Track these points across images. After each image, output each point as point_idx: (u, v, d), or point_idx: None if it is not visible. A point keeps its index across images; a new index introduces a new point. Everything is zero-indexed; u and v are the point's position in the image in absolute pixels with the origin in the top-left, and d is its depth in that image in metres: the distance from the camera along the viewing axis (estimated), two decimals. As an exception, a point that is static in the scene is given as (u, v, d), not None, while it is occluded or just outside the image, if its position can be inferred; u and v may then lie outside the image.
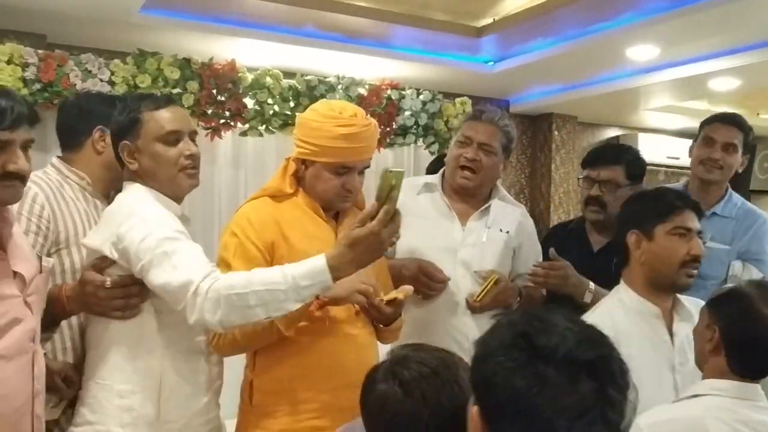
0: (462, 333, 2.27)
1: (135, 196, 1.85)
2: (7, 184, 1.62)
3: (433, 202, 2.43)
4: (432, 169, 2.96)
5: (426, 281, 2.26)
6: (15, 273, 1.65)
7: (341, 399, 1.79)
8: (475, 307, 2.25)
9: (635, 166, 2.58)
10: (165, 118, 1.87)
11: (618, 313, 2.00)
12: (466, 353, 2.19)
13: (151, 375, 1.80)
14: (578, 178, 2.67)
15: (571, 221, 2.87)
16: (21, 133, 1.61)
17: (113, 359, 1.80)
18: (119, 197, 1.89)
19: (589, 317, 1.80)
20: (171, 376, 1.82)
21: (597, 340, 1.01)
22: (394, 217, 1.68)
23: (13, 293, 1.63)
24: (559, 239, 2.75)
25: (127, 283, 1.78)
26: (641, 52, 4.24)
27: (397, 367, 1.38)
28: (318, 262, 1.65)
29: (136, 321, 1.81)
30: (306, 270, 1.64)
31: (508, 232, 2.43)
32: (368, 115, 2.01)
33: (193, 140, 1.92)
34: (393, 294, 1.92)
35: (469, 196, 2.41)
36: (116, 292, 1.77)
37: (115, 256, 1.76)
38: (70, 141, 2.14)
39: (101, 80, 3.83)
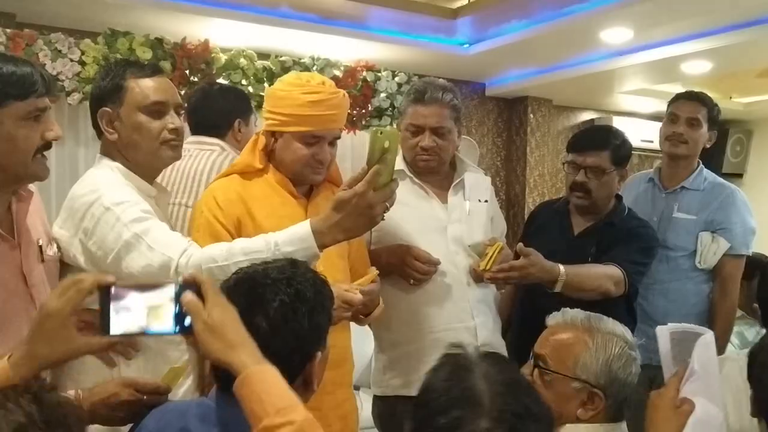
0: (466, 309, 2.28)
1: (100, 179, 1.76)
2: (43, 158, 1.59)
3: (407, 187, 2.38)
4: None
5: (417, 264, 2.24)
6: (23, 263, 1.62)
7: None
8: (482, 276, 2.25)
9: (621, 150, 2.57)
10: (150, 87, 1.79)
11: None
12: (471, 330, 2.24)
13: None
14: (563, 163, 2.67)
15: (557, 200, 2.87)
16: (49, 98, 1.59)
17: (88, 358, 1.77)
18: (85, 179, 1.81)
19: None
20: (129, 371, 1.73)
21: None
22: (389, 183, 1.64)
23: (15, 285, 1.59)
24: (542, 218, 2.78)
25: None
26: (615, 34, 4.25)
27: None
28: (301, 227, 1.62)
29: None
30: (289, 235, 1.61)
31: (486, 201, 2.44)
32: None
33: (177, 113, 1.85)
34: (361, 280, 1.90)
35: (435, 173, 2.40)
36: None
37: (79, 259, 1.70)
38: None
39: (71, 60, 3.78)
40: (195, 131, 2.74)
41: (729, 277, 2.84)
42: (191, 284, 1.21)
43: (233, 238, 1.82)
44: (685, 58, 4.54)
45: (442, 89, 2.29)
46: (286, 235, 1.62)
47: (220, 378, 1.33)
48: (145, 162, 1.81)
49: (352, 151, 4.84)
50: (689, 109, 2.85)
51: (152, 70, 1.84)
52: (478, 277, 2.27)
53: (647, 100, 6.13)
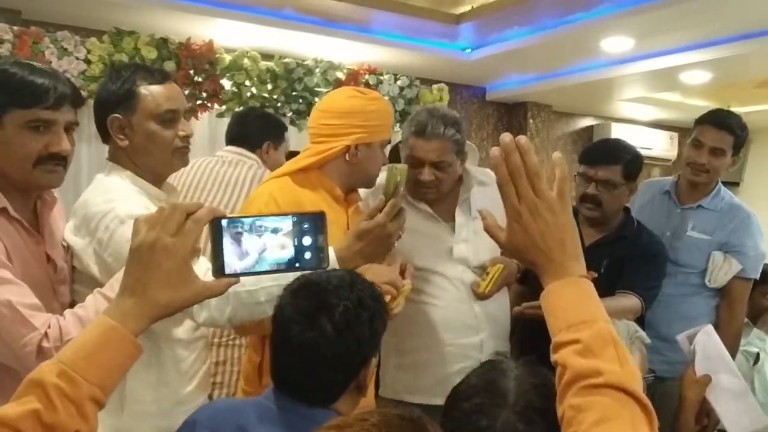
0: (472, 326, 2.29)
1: (113, 187, 1.74)
2: (50, 168, 1.58)
3: (411, 212, 2.33)
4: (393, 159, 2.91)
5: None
6: (48, 258, 1.63)
7: None
8: (481, 297, 2.26)
9: (633, 165, 2.56)
10: (163, 95, 1.76)
11: None
12: (476, 346, 2.25)
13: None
14: (575, 174, 2.67)
15: None
16: (64, 113, 1.57)
17: None
18: (97, 186, 1.78)
19: None
20: (135, 382, 1.73)
21: None
22: (400, 211, 1.73)
23: (43, 279, 1.60)
24: None
25: None
26: (616, 43, 4.30)
27: None
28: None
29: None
30: None
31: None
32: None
33: (188, 119, 1.84)
34: (399, 299, 1.91)
35: (438, 196, 2.36)
36: None
37: (93, 268, 1.68)
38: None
39: (77, 58, 3.81)
40: (230, 143, 3.01)
41: (738, 298, 2.82)
42: (310, 212, 1.11)
43: None
44: (684, 68, 4.60)
45: (444, 124, 2.21)
46: None
47: (278, 376, 1.37)
48: (156, 169, 1.81)
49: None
50: (714, 137, 2.71)
51: (162, 76, 1.81)
52: (479, 296, 2.28)
53: (646, 108, 6.18)
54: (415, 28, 4.44)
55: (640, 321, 2.57)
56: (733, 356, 2.74)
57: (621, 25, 3.97)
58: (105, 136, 1.79)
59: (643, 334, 1.89)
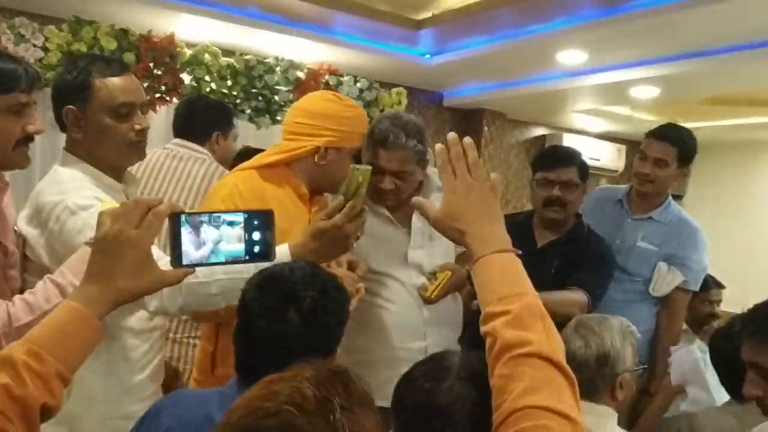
0: (419, 331, 2.35)
1: (65, 178, 1.72)
2: (24, 148, 1.60)
3: (370, 216, 2.40)
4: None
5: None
6: None
7: None
8: (428, 301, 2.28)
9: (584, 167, 2.70)
10: (119, 87, 1.73)
11: None
12: (422, 350, 2.29)
13: None
14: (532, 181, 2.76)
15: (518, 214, 2.96)
16: (34, 95, 1.59)
17: None
18: (51, 175, 1.76)
19: None
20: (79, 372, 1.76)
21: None
22: (359, 213, 1.74)
23: None
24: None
25: None
26: (570, 56, 4.42)
27: None
28: (280, 249, 1.65)
29: None
30: None
31: None
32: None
33: (144, 112, 1.81)
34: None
35: (397, 203, 2.39)
36: None
37: (44, 258, 1.67)
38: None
39: (34, 45, 3.75)
40: (177, 135, 2.98)
41: (677, 309, 2.97)
42: (260, 210, 1.21)
43: None
44: (634, 83, 4.74)
45: (407, 135, 2.21)
46: None
47: (243, 368, 1.40)
48: (111, 161, 1.79)
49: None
50: (657, 149, 2.87)
51: (119, 67, 1.78)
52: (425, 300, 2.31)
53: (597, 120, 6.34)
54: (377, 32, 4.49)
55: None
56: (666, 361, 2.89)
57: (575, 39, 4.08)
58: (61, 126, 1.78)
59: (634, 329, 2.01)
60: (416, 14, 4.41)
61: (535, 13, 3.89)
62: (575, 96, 5.37)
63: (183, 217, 1.13)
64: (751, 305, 1.74)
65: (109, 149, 1.75)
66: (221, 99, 4.28)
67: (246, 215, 1.19)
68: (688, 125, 3.13)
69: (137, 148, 1.80)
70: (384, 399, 1.31)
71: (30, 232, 1.70)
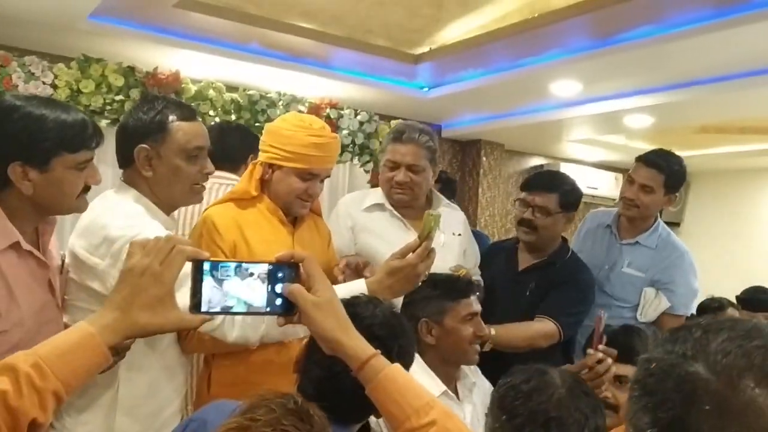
0: None
1: (132, 212, 1.79)
2: (84, 195, 1.69)
3: (386, 220, 2.52)
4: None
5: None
6: (50, 284, 1.71)
7: None
8: None
9: (569, 196, 2.71)
10: (192, 132, 1.83)
11: None
12: None
13: (109, 386, 1.79)
14: (515, 199, 2.83)
15: (509, 239, 3.02)
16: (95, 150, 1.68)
17: None
18: (113, 207, 1.80)
19: None
20: (128, 389, 1.80)
21: None
22: (429, 253, 1.87)
23: (48, 302, 1.69)
24: (492, 255, 2.91)
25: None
26: (565, 87, 4.50)
27: None
28: (357, 284, 1.79)
29: None
30: (348, 290, 1.68)
31: (459, 234, 2.61)
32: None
33: (209, 157, 1.91)
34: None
35: (411, 207, 2.54)
36: None
37: (109, 285, 1.69)
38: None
39: (44, 83, 3.86)
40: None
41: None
42: (286, 263, 1.20)
43: None
44: (628, 113, 4.82)
45: (419, 131, 2.49)
46: (346, 289, 1.74)
47: (302, 390, 1.46)
48: (175, 200, 1.89)
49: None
50: (645, 175, 2.87)
51: (191, 113, 1.88)
52: None
53: (593, 149, 6.41)
54: (376, 66, 4.59)
55: (568, 346, 2.70)
56: None
57: (569, 70, 4.16)
58: (124, 161, 1.85)
59: None
60: (414, 49, 4.50)
61: (529, 47, 3.98)
62: (570, 126, 5.44)
63: (206, 264, 1.14)
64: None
65: (176, 189, 1.85)
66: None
67: (271, 267, 1.19)
68: (683, 153, 3.14)
69: (199, 190, 1.91)
70: None
71: (96, 263, 1.73)
